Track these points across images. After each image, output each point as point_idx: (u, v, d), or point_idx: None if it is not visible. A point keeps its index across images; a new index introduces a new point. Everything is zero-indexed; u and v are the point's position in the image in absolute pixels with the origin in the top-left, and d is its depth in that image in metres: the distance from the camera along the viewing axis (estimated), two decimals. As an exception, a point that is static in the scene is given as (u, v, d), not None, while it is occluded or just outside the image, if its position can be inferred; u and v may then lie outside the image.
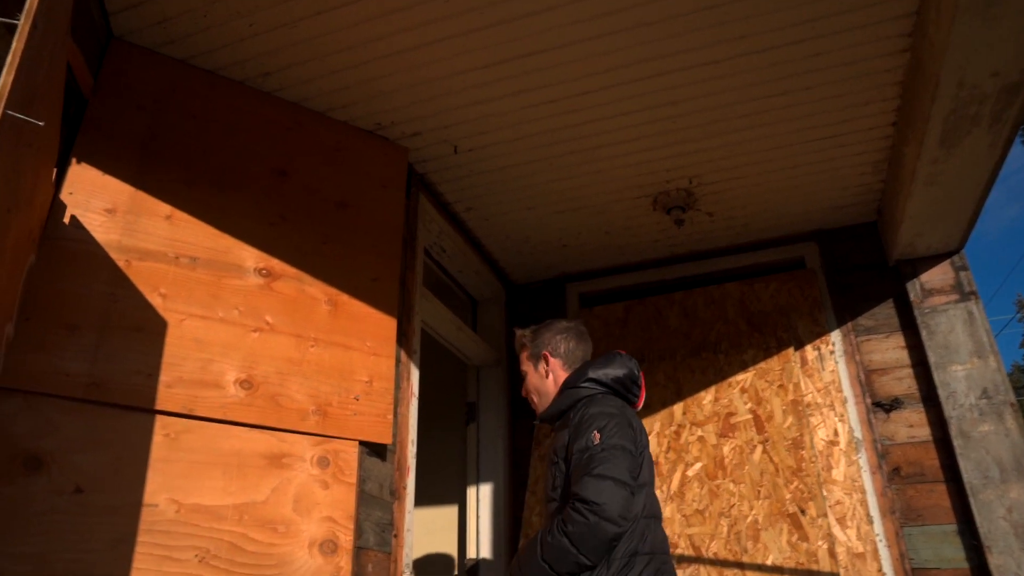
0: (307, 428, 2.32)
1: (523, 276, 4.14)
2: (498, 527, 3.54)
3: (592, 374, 2.22)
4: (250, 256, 2.42)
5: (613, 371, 2.22)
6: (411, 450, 2.72)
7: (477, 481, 3.68)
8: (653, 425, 3.31)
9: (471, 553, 3.55)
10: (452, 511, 3.85)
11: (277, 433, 2.27)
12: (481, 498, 3.63)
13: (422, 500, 3.91)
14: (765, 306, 3.58)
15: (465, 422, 3.84)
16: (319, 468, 2.31)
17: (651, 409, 3.37)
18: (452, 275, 3.82)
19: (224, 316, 2.29)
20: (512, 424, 3.81)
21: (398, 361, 2.75)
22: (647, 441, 2.12)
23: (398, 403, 2.69)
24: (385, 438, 2.48)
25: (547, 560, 1.86)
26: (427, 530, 3.84)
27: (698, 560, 2.82)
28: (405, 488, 2.64)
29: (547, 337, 2.41)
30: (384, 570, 2.43)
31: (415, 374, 2.87)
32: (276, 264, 2.47)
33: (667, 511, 3.01)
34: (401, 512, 2.58)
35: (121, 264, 2.18)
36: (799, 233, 3.72)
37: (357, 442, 2.42)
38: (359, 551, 2.32)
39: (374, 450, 2.50)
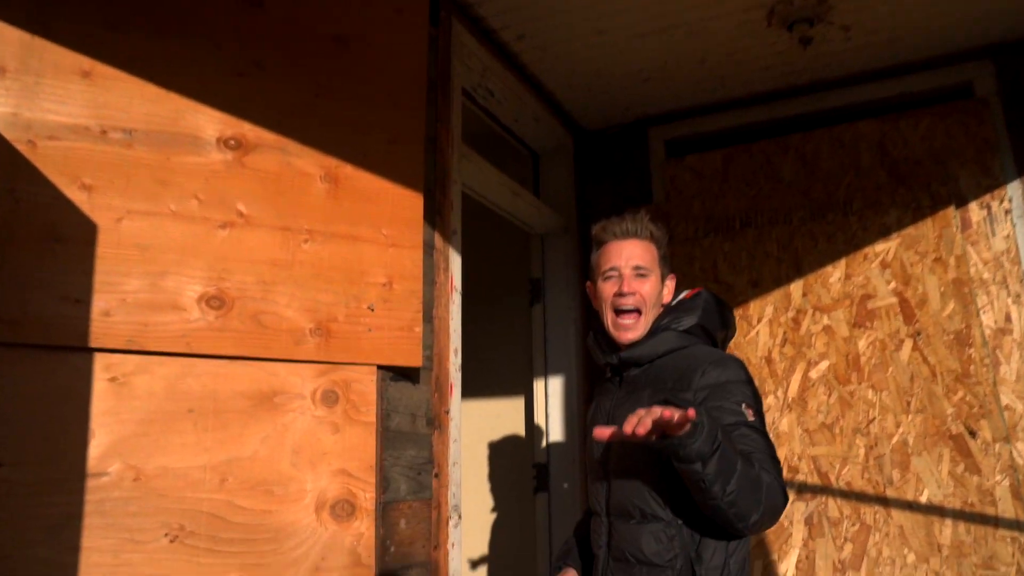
0: (304, 355, 1.75)
1: (595, 121, 3.33)
2: (571, 426, 3.02)
3: (704, 321, 1.62)
4: (211, 122, 1.76)
5: (721, 323, 1.68)
6: (454, 362, 2.14)
7: (545, 372, 3.12)
8: (764, 309, 2.62)
9: (539, 455, 3.06)
10: (517, 405, 3.34)
11: (264, 364, 1.71)
12: (550, 392, 3.09)
13: (482, 391, 3.41)
14: (914, 151, 2.71)
15: (529, 302, 3.23)
16: (324, 406, 1.75)
17: (761, 287, 2.67)
18: (505, 125, 3.06)
19: (178, 209, 1.67)
20: (585, 305, 3.18)
21: (430, 248, 2.11)
22: None
23: (432, 304, 2.08)
24: (413, 359, 1.89)
25: (742, 483, 1.28)
26: (489, 426, 3.37)
27: (825, 491, 2.22)
28: (448, 413, 2.08)
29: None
30: (424, 520, 1.93)
31: (455, 262, 2.23)
32: (249, 130, 1.80)
33: (783, 423, 2.39)
34: (443, 444, 2.04)
35: (22, 148, 1.56)
36: (967, 49, 2.75)
37: (375, 367, 1.84)
38: (386, 507, 1.81)
39: (401, 373, 1.92)
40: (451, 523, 2.02)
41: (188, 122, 1.73)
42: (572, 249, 3.22)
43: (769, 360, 2.50)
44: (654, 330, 1.62)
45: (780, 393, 2.43)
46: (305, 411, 1.73)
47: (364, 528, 1.74)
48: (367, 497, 1.76)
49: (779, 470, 1.37)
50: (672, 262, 2.89)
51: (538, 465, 3.04)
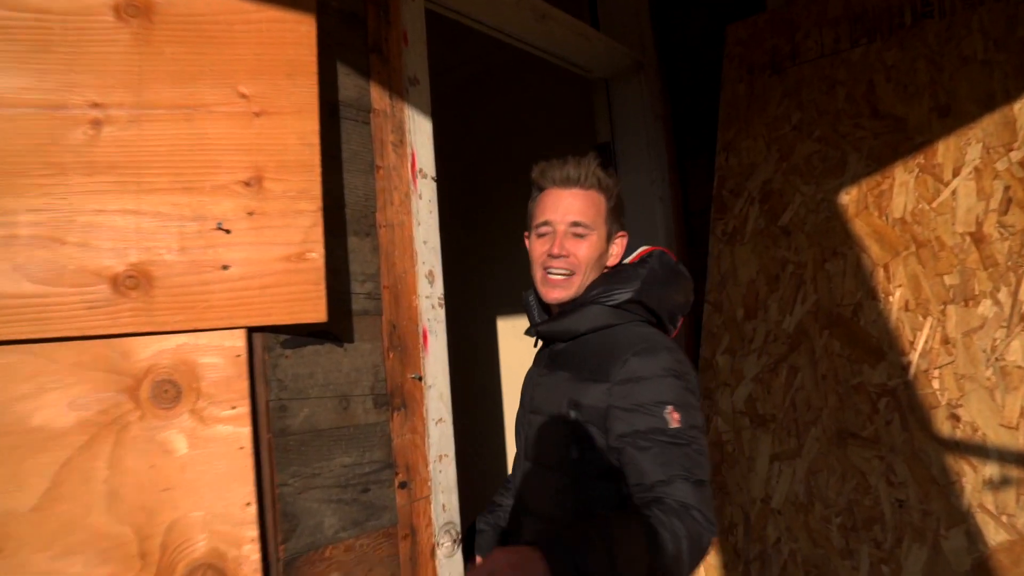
0: (108, 325, 1.00)
1: None
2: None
3: (643, 296, 1.29)
4: None
5: (673, 297, 1.35)
6: (427, 294, 1.33)
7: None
8: (964, 151, 1.57)
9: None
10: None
11: (37, 350, 0.98)
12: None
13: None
14: None
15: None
16: (159, 409, 1.02)
17: (956, 115, 1.62)
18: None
19: None
20: (682, 175, 2.24)
21: (362, 112, 1.27)
22: None
23: (373, 206, 1.26)
24: (311, 310, 1.09)
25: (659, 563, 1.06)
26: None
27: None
28: (421, 379, 1.29)
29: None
30: (385, 562, 1.18)
31: (421, 129, 1.38)
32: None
33: (1013, 348, 1.40)
34: (415, 431, 1.26)
35: None
36: None
37: (244, 330, 1.06)
38: (294, 563, 1.07)
39: (309, 332, 1.13)
40: (440, 553, 1.27)
41: None
42: (652, 94, 2.23)
43: (979, 239, 1.48)
44: (581, 302, 1.31)
45: (1003, 296, 1.42)
46: (125, 422, 1.00)
47: (246, 610, 1.01)
48: (249, 557, 1.02)
49: (704, 489, 1.13)
50: (802, 93, 1.89)
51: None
